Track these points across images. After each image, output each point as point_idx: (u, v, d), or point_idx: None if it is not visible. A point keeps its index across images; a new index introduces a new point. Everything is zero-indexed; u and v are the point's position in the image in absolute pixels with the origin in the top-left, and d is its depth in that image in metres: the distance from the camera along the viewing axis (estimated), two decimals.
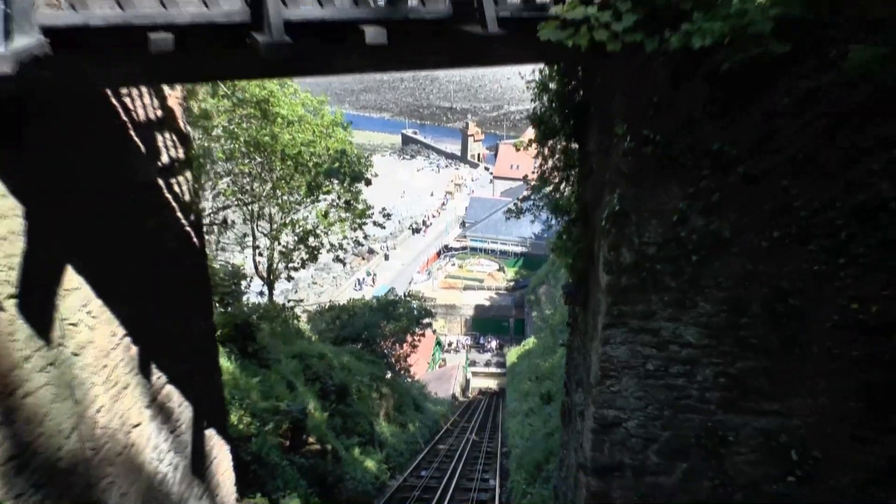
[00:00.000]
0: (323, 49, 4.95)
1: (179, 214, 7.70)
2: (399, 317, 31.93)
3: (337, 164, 21.48)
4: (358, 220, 22.98)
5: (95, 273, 6.09)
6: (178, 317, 7.88)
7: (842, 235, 5.27)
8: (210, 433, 8.75)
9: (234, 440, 10.08)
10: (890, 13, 4.63)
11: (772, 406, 5.94)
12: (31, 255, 5.18)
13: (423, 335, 35.87)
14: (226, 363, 12.71)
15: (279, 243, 23.26)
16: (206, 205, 18.67)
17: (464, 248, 69.75)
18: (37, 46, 3.94)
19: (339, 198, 22.82)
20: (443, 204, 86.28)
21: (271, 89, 19.12)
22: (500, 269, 65.93)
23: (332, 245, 23.43)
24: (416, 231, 76.44)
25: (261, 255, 23.28)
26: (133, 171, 6.78)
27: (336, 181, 22.28)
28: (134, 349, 6.82)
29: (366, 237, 24.62)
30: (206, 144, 16.96)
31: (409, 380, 33.70)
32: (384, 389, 24.34)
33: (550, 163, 8.21)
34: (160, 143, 7.21)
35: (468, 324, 57.87)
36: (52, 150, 5.50)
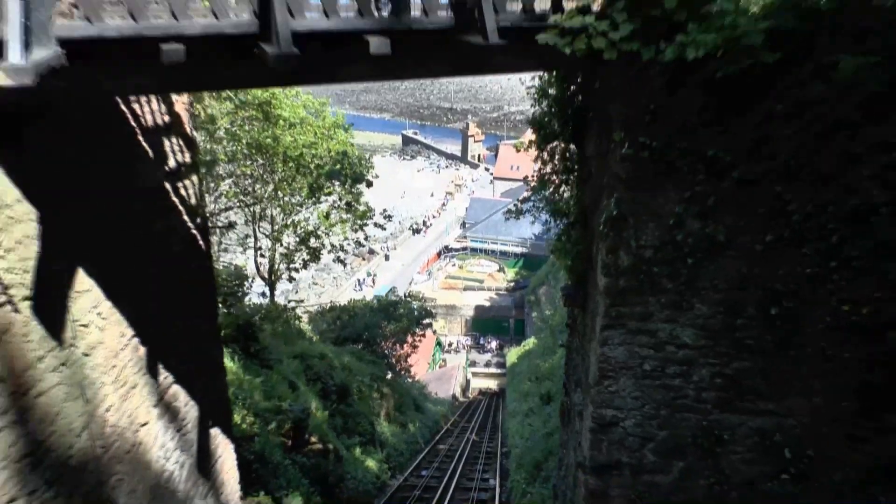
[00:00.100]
0: (328, 59, 5.09)
1: (186, 217, 7.84)
2: (399, 317, 32.08)
3: (338, 166, 21.64)
4: (359, 222, 23.14)
5: (105, 275, 6.23)
6: (184, 318, 8.02)
7: (834, 239, 5.41)
8: (215, 432, 8.89)
9: (237, 439, 10.22)
10: (875, 24, 4.77)
11: (767, 406, 6.07)
12: (45, 258, 5.33)
13: (423, 336, 36.01)
14: (229, 363, 12.84)
15: (281, 244, 23.42)
16: (209, 206, 18.82)
17: (464, 249, 69.89)
18: (54, 58, 4.09)
19: (340, 199, 22.97)
20: (443, 204, 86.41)
21: (273, 91, 19.27)
22: (501, 270, 66.06)
23: (333, 246, 23.59)
24: (416, 231, 76.58)
25: (262, 256, 23.44)
26: (141, 176, 6.92)
27: (337, 183, 22.43)
28: (142, 349, 6.96)
29: (366, 238, 24.78)
30: (209, 146, 17.11)
31: (410, 380, 33.84)
32: (385, 390, 24.47)
33: (550, 166, 8.34)
34: (167, 148, 7.35)
35: (468, 324, 57.99)
36: (65, 156, 5.64)
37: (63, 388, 5.58)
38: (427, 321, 35.78)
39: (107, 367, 6.29)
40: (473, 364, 51.43)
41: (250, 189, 21.87)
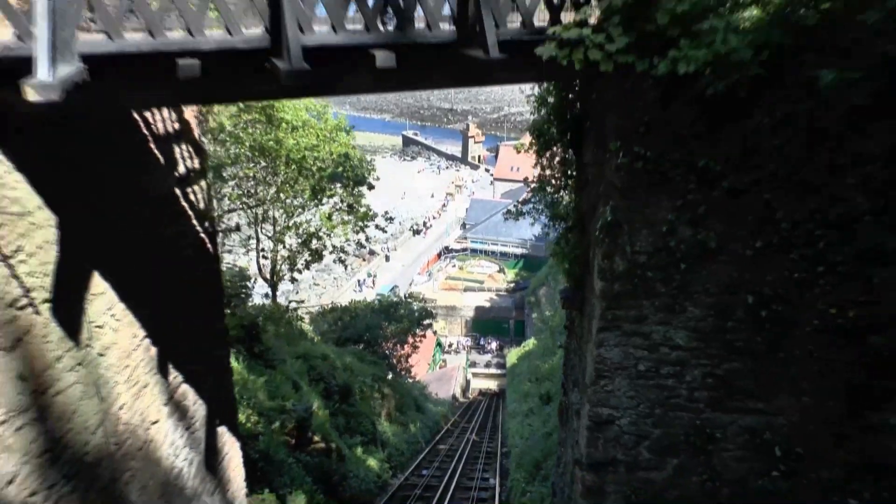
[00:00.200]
0: (336, 72, 5.32)
1: (195, 222, 8.07)
2: (400, 318, 32.29)
3: (340, 169, 21.84)
4: (360, 223, 23.35)
5: (119, 278, 6.47)
6: (193, 319, 8.24)
7: (820, 245, 5.64)
8: (222, 430, 9.12)
9: (243, 438, 10.44)
10: (859, 39, 4.99)
11: (757, 405, 6.29)
12: (63, 262, 5.56)
13: (423, 336, 36.21)
14: (234, 363, 13.05)
15: (283, 245, 23.64)
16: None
17: (464, 250, 70.02)
18: (77, 73, 4.31)
19: (341, 201, 23.19)
20: (443, 205, 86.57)
21: None
22: (501, 271, 66.21)
23: (334, 247, 23.81)
24: (416, 232, 76.72)
25: (265, 257, 23.65)
26: (153, 182, 7.15)
27: (339, 185, 22.65)
28: (153, 350, 7.20)
29: (368, 240, 24.98)
30: (213, 149, 17.34)
31: (410, 380, 34.04)
32: (386, 390, 24.69)
33: (549, 172, 8.57)
34: (177, 155, 7.58)
35: (468, 325, 58.15)
36: (82, 163, 5.87)
37: (79, 387, 5.81)
38: (427, 322, 35.98)
39: (120, 367, 6.52)
40: (473, 365, 51.59)
41: (253, 191, 22.08)
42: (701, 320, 6.14)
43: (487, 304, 59.24)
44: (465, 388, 46.76)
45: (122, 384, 6.56)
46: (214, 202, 19.91)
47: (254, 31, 5.06)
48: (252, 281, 21.37)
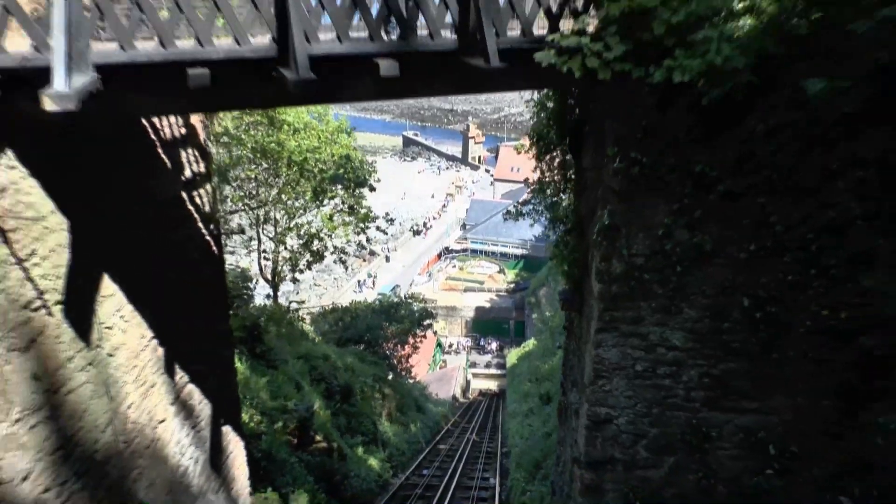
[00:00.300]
0: (340, 80, 5.45)
1: (200, 225, 8.21)
2: (401, 318, 32.40)
3: (341, 170, 21.98)
4: (361, 225, 23.49)
5: (127, 280, 6.61)
6: (199, 320, 8.38)
7: (813, 249, 5.78)
8: (226, 429, 9.25)
9: (246, 437, 10.57)
10: (849, 48, 5.14)
11: (752, 405, 6.43)
12: (75, 265, 5.71)
13: (424, 337, 36.30)
14: (237, 364, 13.19)
15: (284, 246, 23.79)
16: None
17: (464, 250, 70.13)
18: (92, 83, 4.46)
19: (342, 202, 23.34)
20: (443, 206, 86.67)
21: None
22: (501, 272, 66.32)
23: (335, 248, 23.95)
24: (416, 233, 76.82)
25: (266, 258, 23.79)
26: (160, 186, 7.29)
27: (340, 187, 22.79)
28: (160, 350, 7.34)
29: (368, 241, 25.12)
30: (215, 151, 17.47)
31: (411, 381, 34.15)
32: (387, 390, 24.81)
33: (548, 176, 8.71)
34: (184, 159, 7.72)
35: (469, 325, 58.24)
36: (92, 169, 6.01)
37: (90, 387, 5.96)
38: (428, 322, 36.08)
39: (129, 367, 6.67)
40: (474, 365, 51.69)
41: (254, 193, 22.23)
42: (697, 321, 6.28)
43: (487, 305, 59.35)
44: (466, 389, 46.86)
45: (131, 384, 6.70)
46: (217, 204, 20.14)
47: (261, 40, 5.19)
48: (253, 282, 21.52)
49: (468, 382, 48.20)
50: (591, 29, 5.69)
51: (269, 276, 24.49)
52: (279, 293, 26.14)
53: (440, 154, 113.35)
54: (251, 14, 5.03)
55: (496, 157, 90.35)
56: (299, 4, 4.84)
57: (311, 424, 14.12)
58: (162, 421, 7.34)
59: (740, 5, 5.43)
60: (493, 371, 49.87)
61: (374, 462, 18.06)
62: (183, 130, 7.65)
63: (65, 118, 4.24)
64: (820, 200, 5.67)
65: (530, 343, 40.91)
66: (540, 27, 5.88)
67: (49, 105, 4.03)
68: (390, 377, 27.93)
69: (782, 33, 5.28)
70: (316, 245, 23.28)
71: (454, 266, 68.25)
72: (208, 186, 8.38)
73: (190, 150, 7.82)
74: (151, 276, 7.12)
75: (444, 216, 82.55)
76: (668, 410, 6.58)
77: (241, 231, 20.73)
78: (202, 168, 8.17)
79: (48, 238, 5.36)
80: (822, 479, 6.27)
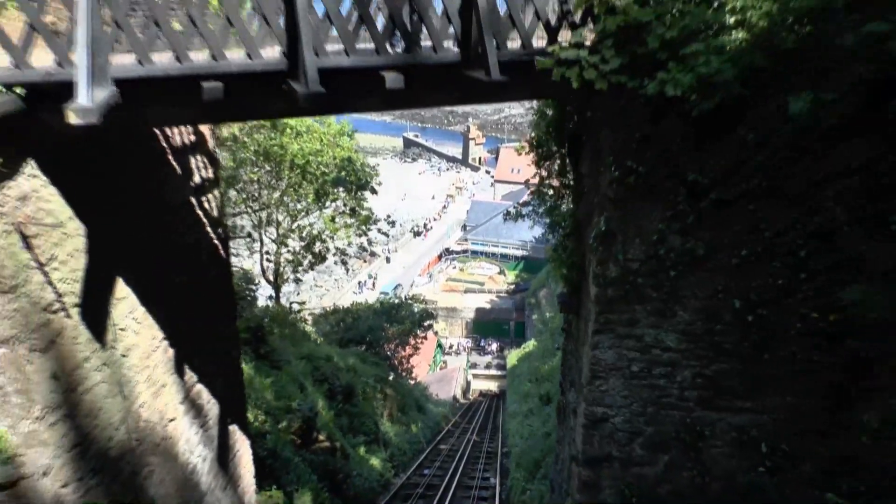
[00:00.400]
0: (347, 92, 5.67)
1: (209, 229, 8.44)
2: (402, 319, 32.63)
3: (343, 173, 22.21)
4: (363, 227, 23.72)
5: (139, 283, 6.84)
6: (207, 321, 8.61)
7: (802, 254, 5.99)
8: (233, 428, 9.48)
9: (252, 436, 10.79)
10: (835, 62, 5.36)
11: (744, 404, 6.63)
12: (91, 268, 5.94)
13: (424, 338, 36.53)
14: (242, 364, 13.42)
15: (286, 248, 24.02)
16: None
17: (465, 252, 70.38)
18: (112, 96, 4.68)
19: (344, 205, 23.58)
20: (444, 207, 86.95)
21: None
22: (501, 273, 66.57)
23: (337, 249, 24.18)
24: (417, 234, 77.08)
25: (269, 260, 24.01)
26: (171, 192, 7.52)
27: (342, 189, 23.03)
28: (170, 351, 7.57)
29: (370, 243, 25.35)
30: (218, 153, 17.69)
31: (412, 381, 34.36)
32: (388, 391, 25.02)
33: (548, 181, 8.93)
34: (193, 165, 7.95)
35: (469, 326, 58.47)
36: (107, 176, 6.24)
37: (105, 386, 6.19)
38: (428, 323, 36.31)
39: (141, 367, 6.90)
40: (474, 366, 51.89)
41: (257, 195, 22.46)
42: (690, 324, 6.48)
43: (488, 306, 59.57)
44: (466, 389, 47.06)
45: (143, 383, 6.93)
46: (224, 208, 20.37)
47: (270, 53, 5.41)
48: (256, 283, 21.76)
49: (468, 383, 48.41)
50: (588, 42, 5.93)
51: (272, 278, 24.73)
52: (280, 294, 26.39)
53: (441, 155, 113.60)
54: (263, 30, 5.24)
55: (496, 159, 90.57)
56: (309, 21, 5.06)
57: (315, 424, 14.34)
58: (172, 420, 7.57)
59: (732, 19, 5.67)
60: (493, 372, 50.06)
61: (375, 462, 18.28)
62: (192, 138, 7.88)
63: (86, 130, 4.45)
64: (808, 207, 5.87)
65: (530, 344, 41.11)
66: (539, 37, 6.11)
67: (73, 119, 4.25)
68: (391, 378, 28.15)
69: (771, 47, 5.52)
70: (318, 247, 23.51)
71: (455, 267, 68.49)
72: (216, 192, 8.61)
73: (199, 157, 8.05)
74: (162, 279, 7.35)
75: (445, 217, 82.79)
76: (662, 409, 6.78)
77: (248, 236, 20.96)
78: (210, 174, 8.40)
79: (66, 243, 5.59)
80: (812, 476, 6.47)
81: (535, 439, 18.55)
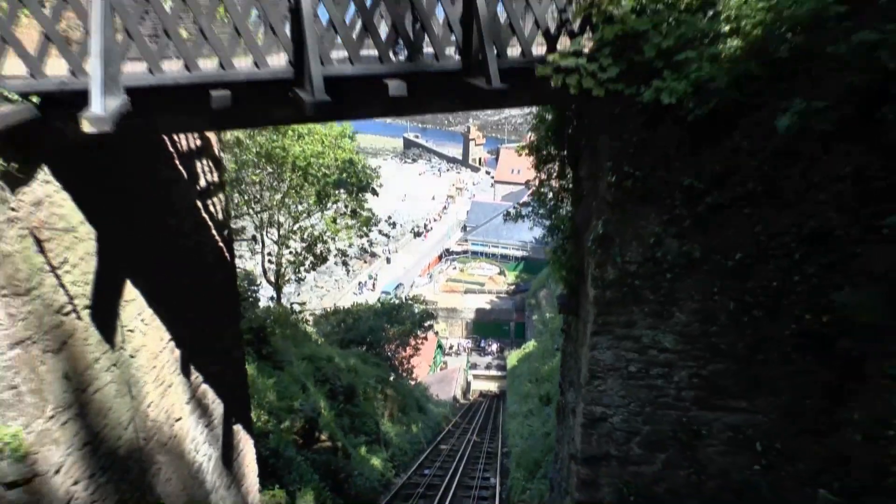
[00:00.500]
0: (352, 99, 5.82)
1: (214, 232, 8.58)
2: (402, 320, 32.76)
3: (344, 175, 22.36)
4: (364, 228, 23.87)
5: (147, 285, 6.99)
6: (212, 322, 8.75)
7: (796, 256, 6.14)
8: (237, 428, 9.62)
9: (255, 436, 10.93)
10: (826, 70, 5.50)
11: (739, 403, 6.78)
12: (101, 271, 6.08)
13: (425, 338, 36.64)
14: (245, 365, 13.55)
15: (288, 248, 24.17)
16: None
17: (465, 252, 70.48)
18: (123, 105, 4.82)
19: (345, 206, 23.73)
20: (444, 208, 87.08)
21: None
22: (501, 273, 66.67)
23: (339, 251, 24.33)
24: (417, 235, 77.22)
25: (270, 261, 24.16)
26: (178, 196, 7.66)
27: (343, 191, 23.18)
28: (177, 352, 7.71)
29: (371, 244, 25.50)
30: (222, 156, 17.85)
31: (412, 382, 34.48)
32: (389, 391, 25.16)
33: (548, 185, 9.07)
34: (199, 169, 8.09)
35: (469, 327, 58.56)
36: (116, 181, 6.39)
37: (114, 386, 6.33)
38: (428, 324, 36.43)
39: (149, 368, 7.04)
40: (474, 366, 51.99)
41: (259, 196, 22.61)
42: (687, 325, 6.63)
43: (488, 307, 59.67)
44: (466, 390, 47.17)
45: (151, 383, 7.07)
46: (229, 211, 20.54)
47: (277, 61, 5.56)
48: (257, 284, 21.91)
49: (469, 384, 48.51)
50: (586, 49, 6.07)
51: (273, 279, 24.88)
52: (281, 295, 26.53)
53: (441, 156, 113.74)
54: (270, 39, 5.38)
55: (497, 159, 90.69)
56: (314, 30, 5.20)
57: (317, 424, 14.48)
58: (178, 419, 7.71)
59: (727, 27, 5.81)
60: (493, 372, 50.16)
61: (377, 461, 18.41)
62: (198, 142, 8.02)
63: (97, 137, 4.59)
64: (801, 211, 6.02)
65: (530, 344, 41.23)
66: (539, 44, 6.25)
67: (88, 127, 4.38)
68: (392, 378, 28.27)
69: (765, 55, 5.66)
70: (319, 248, 23.66)
71: (455, 268, 68.61)
72: (221, 195, 8.75)
73: (205, 161, 8.19)
74: (169, 281, 7.49)
75: (445, 218, 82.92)
76: (659, 409, 6.93)
77: (253, 238, 21.11)
78: (216, 177, 8.54)
79: (78, 247, 5.73)
80: (805, 474, 6.61)
81: (536, 439, 18.67)
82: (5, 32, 4.60)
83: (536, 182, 9.29)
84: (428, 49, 5.97)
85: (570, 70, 5.98)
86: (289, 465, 12.51)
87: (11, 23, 4.62)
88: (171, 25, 5.02)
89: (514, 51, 6.20)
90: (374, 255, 64.58)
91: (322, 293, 60.40)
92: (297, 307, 26.98)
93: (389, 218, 25.64)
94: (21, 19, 4.85)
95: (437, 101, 6.28)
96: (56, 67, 5.03)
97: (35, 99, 4.83)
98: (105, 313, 6.19)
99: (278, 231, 23.96)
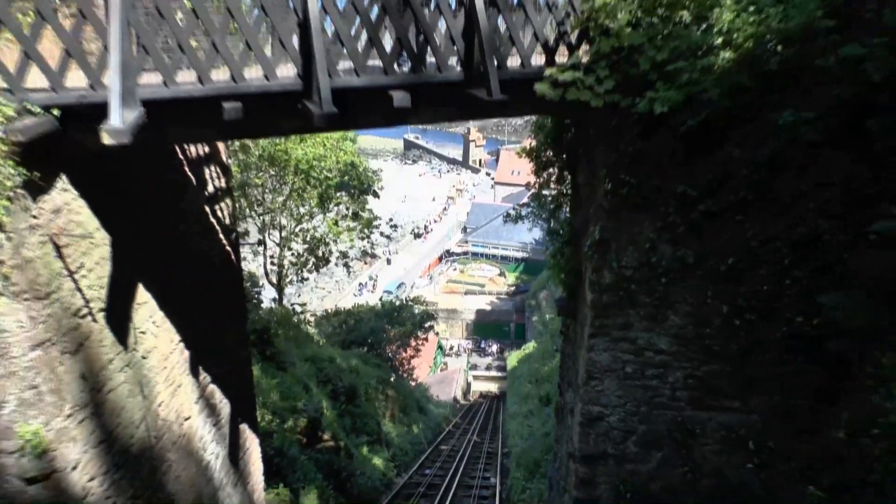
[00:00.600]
0: (358, 109, 6.03)
1: (221, 236, 8.80)
2: (403, 321, 32.94)
3: (346, 178, 22.57)
4: (365, 231, 24.08)
5: (158, 289, 7.20)
6: (219, 324, 8.96)
7: (786, 262, 6.35)
8: (244, 427, 9.83)
9: (260, 435, 11.14)
10: (816, 82, 5.72)
11: (732, 404, 6.98)
12: (115, 275, 6.29)
13: (425, 339, 36.81)
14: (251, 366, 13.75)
15: (290, 250, 24.38)
16: None
17: (465, 253, 70.69)
18: (140, 117, 5.04)
19: (347, 209, 23.94)
20: (444, 209, 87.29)
21: None
22: (501, 274, 66.88)
23: (340, 253, 24.54)
24: (417, 236, 77.46)
25: (273, 263, 24.37)
26: (187, 201, 7.88)
27: (344, 193, 23.39)
28: (186, 353, 7.92)
29: (373, 246, 25.70)
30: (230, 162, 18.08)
31: (413, 383, 34.67)
32: (390, 392, 25.35)
33: (546, 191, 9.29)
34: (207, 176, 8.31)
35: (469, 328, 58.74)
36: (129, 188, 6.60)
37: (127, 386, 6.55)
38: (429, 324, 36.60)
39: (160, 369, 7.25)
40: (474, 367, 52.15)
41: (261, 199, 22.82)
42: (681, 328, 6.84)
43: (488, 308, 59.84)
44: (466, 391, 47.33)
45: (161, 384, 7.28)
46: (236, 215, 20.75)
47: (286, 72, 5.77)
48: (260, 286, 22.13)
49: (469, 384, 48.66)
50: (584, 59, 6.28)
51: (275, 280, 25.09)
52: (283, 296, 26.73)
53: (441, 157, 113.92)
54: (279, 52, 5.60)
55: (497, 161, 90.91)
56: (322, 44, 5.42)
57: (320, 424, 14.69)
58: (188, 418, 7.92)
59: (719, 40, 6.03)
60: (493, 373, 50.29)
61: (378, 461, 18.61)
62: (207, 150, 8.24)
63: (115, 148, 4.81)
64: (791, 218, 6.23)
65: (530, 345, 41.38)
66: (539, 53, 6.46)
67: (107, 139, 4.60)
68: (393, 379, 28.47)
69: (756, 67, 5.88)
70: (321, 250, 23.87)
71: (455, 269, 68.80)
72: (228, 200, 8.97)
73: (213, 168, 8.41)
74: (178, 285, 7.70)
75: (445, 219, 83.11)
76: (655, 409, 7.13)
77: (260, 243, 21.31)
78: (223, 183, 8.76)
79: (94, 252, 5.95)
80: (796, 471, 6.81)
81: (535, 439, 18.85)
82: (30, 49, 4.81)
83: (536, 186, 9.50)
84: (430, 59, 6.18)
85: (568, 84, 6.19)
86: (293, 464, 12.72)
87: (35, 40, 4.83)
88: (185, 40, 5.24)
89: (514, 60, 6.41)
90: (374, 256, 64.78)
91: (322, 294, 60.56)
92: (297, 308, 27.20)
93: (391, 220, 25.85)
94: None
95: (439, 111, 6.49)
96: (73, 78, 5.24)
97: (56, 111, 5.04)
98: (119, 316, 6.40)
99: (280, 233, 24.18)
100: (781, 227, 6.29)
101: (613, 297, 6.79)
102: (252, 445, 10.22)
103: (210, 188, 8.40)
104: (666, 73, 5.83)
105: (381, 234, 25.36)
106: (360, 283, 63.55)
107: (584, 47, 6.38)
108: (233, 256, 9.23)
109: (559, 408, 10.03)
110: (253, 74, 5.62)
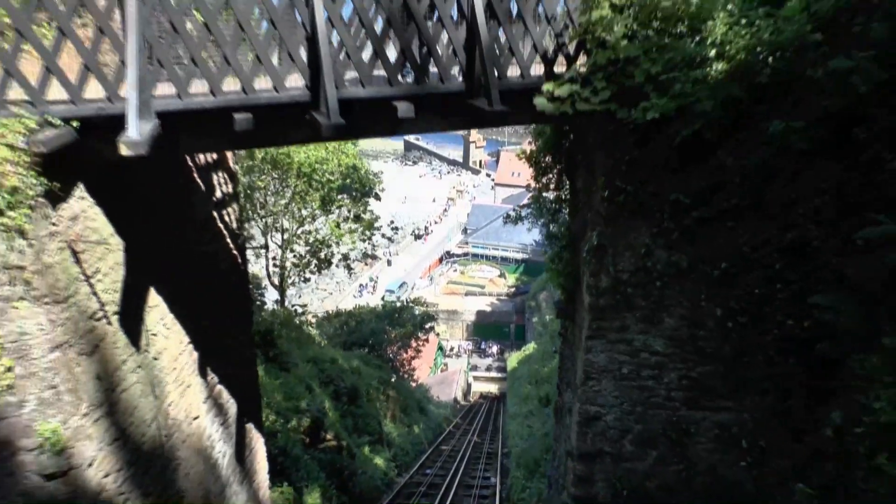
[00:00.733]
0: (363, 119, 6.24)
1: (228, 240, 9.01)
2: (403, 322, 33.17)
3: (348, 181, 22.79)
4: (367, 233, 24.29)
5: (169, 292, 7.42)
6: (226, 326, 9.18)
7: (777, 266, 6.55)
8: (249, 426, 10.05)
9: (265, 434, 11.35)
10: (806, 93, 5.93)
11: (726, 403, 7.18)
12: (128, 280, 6.51)
13: (426, 340, 37.04)
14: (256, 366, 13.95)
15: (292, 252, 24.60)
16: None
17: (465, 255, 70.91)
18: (155, 128, 5.25)
19: (349, 211, 24.16)
20: (444, 210, 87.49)
21: None
22: (502, 276, 67.09)
23: (342, 255, 24.76)
24: (418, 237, 77.68)
25: (275, 266, 24.58)
26: (196, 207, 8.09)
27: (346, 196, 23.60)
28: (195, 354, 8.14)
29: (374, 248, 25.91)
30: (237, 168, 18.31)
31: (413, 383, 34.89)
32: (391, 392, 25.56)
33: (546, 195, 9.50)
34: (215, 182, 8.53)
35: (470, 329, 58.97)
36: (141, 195, 6.82)
37: (139, 386, 6.76)
38: (429, 325, 36.82)
39: (170, 369, 7.47)
40: (475, 368, 52.36)
41: (264, 202, 23.04)
42: (676, 330, 7.05)
43: (488, 309, 60.03)
44: (467, 392, 47.53)
45: (171, 384, 7.50)
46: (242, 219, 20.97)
47: (294, 83, 5.98)
48: (263, 288, 22.35)
49: (469, 385, 48.86)
50: (582, 69, 6.49)
51: (277, 282, 25.30)
52: (285, 298, 26.95)
53: (441, 158, 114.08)
54: (287, 64, 5.81)
55: (497, 162, 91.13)
56: (330, 56, 5.63)
57: (323, 424, 14.90)
58: (196, 418, 8.13)
59: (713, 52, 6.24)
60: (493, 374, 50.50)
61: (380, 461, 18.82)
62: (215, 156, 8.46)
63: (135, 160, 5.03)
64: (782, 224, 6.44)
65: (530, 346, 41.56)
66: (538, 62, 6.68)
67: (125, 151, 4.81)
68: (394, 380, 28.68)
69: (749, 78, 6.09)
70: (324, 252, 24.09)
71: (455, 270, 69.02)
72: (235, 205, 9.19)
73: (220, 174, 8.63)
74: (187, 288, 7.92)
75: (446, 220, 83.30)
76: (651, 409, 7.34)
77: (265, 246, 21.52)
78: (230, 189, 8.98)
79: (108, 257, 6.17)
80: (787, 469, 7.01)
81: (535, 439, 19.04)
82: (51, 63, 5.03)
83: (536, 190, 9.71)
84: (433, 70, 6.39)
85: (565, 98, 6.40)
86: (296, 463, 12.94)
87: (56, 55, 5.05)
88: (197, 53, 5.45)
89: (514, 70, 6.62)
90: (374, 257, 64.98)
91: (323, 295, 60.74)
92: (299, 310, 27.41)
93: (392, 222, 26.06)
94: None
95: (441, 120, 6.71)
96: (90, 90, 5.46)
97: (75, 123, 5.26)
98: (131, 319, 6.62)
99: (282, 235, 24.40)
100: (772, 233, 6.49)
101: (610, 300, 7.00)
102: (257, 444, 10.43)
103: (218, 194, 8.62)
104: (660, 83, 6.04)
105: (383, 235, 25.51)
106: (361, 285, 63.75)
107: (582, 59, 6.58)
108: (239, 260, 9.45)
109: (558, 408, 10.24)
110: (262, 85, 5.84)
